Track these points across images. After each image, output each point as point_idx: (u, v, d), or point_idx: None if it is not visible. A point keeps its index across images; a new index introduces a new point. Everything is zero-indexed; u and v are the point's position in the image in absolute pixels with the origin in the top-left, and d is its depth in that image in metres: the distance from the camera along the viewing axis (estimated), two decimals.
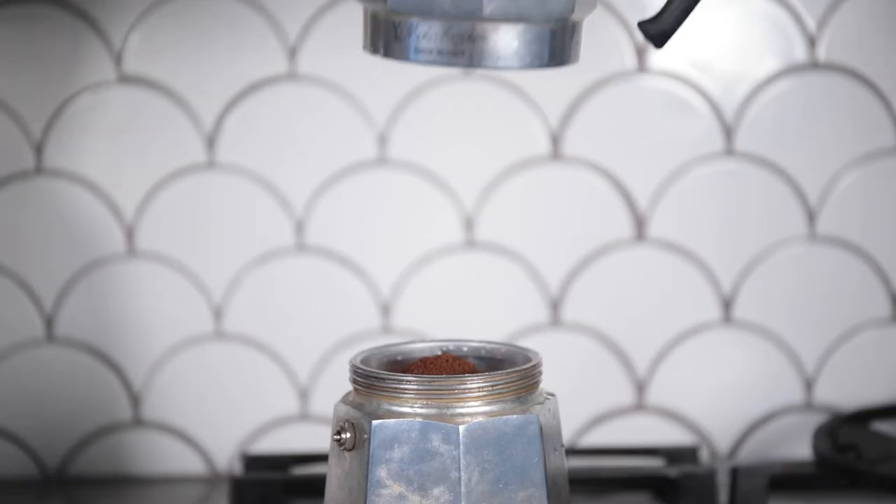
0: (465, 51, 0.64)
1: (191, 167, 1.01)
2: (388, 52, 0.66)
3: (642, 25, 0.62)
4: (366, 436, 0.66)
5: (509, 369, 0.69)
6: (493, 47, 0.64)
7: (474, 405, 0.66)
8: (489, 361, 0.72)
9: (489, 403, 0.66)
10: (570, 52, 0.67)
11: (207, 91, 1.00)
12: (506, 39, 0.64)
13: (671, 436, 1.03)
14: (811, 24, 1.01)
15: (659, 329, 1.03)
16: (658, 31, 0.62)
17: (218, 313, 1.02)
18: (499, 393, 0.67)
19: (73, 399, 1.02)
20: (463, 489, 0.65)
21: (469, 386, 0.67)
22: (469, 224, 1.01)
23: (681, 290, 1.03)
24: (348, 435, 0.67)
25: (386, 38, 0.65)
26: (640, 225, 1.02)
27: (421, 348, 0.73)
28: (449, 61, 0.65)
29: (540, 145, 1.01)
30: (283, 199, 1.01)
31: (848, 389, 1.03)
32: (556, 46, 0.66)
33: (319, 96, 1.00)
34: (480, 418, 0.66)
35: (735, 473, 0.89)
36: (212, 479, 1.02)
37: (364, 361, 0.70)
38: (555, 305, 1.02)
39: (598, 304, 1.03)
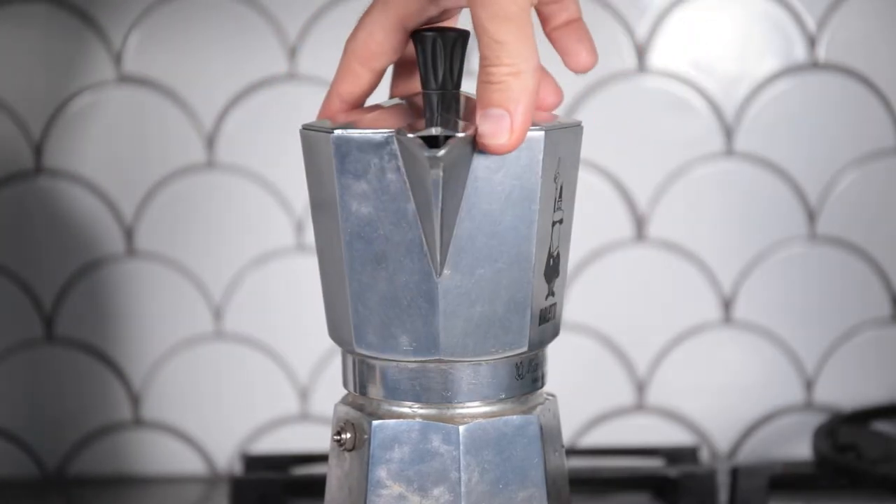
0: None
1: (190, 167, 1.01)
2: None
3: None
4: (366, 436, 0.66)
5: None
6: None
7: (474, 405, 0.66)
8: None
9: (490, 404, 0.67)
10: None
11: (207, 91, 1.00)
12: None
13: (671, 436, 1.03)
14: (811, 24, 1.01)
15: (659, 329, 1.03)
16: None
17: (218, 313, 1.02)
18: None
19: (73, 399, 1.02)
20: (463, 489, 0.65)
21: None
22: None
23: (681, 290, 1.03)
24: (348, 435, 0.67)
25: None
26: (640, 225, 1.02)
27: None
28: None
29: None
30: (283, 199, 1.01)
31: (848, 389, 1.04)
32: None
33: (320, 96, 0.99)
34: (480, 419, 0.66)
35: (735, 473, 0.89)
36: (212, 479, 1.03)
37: None
38: None
39: (598, 304, 1.03)
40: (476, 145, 0.62)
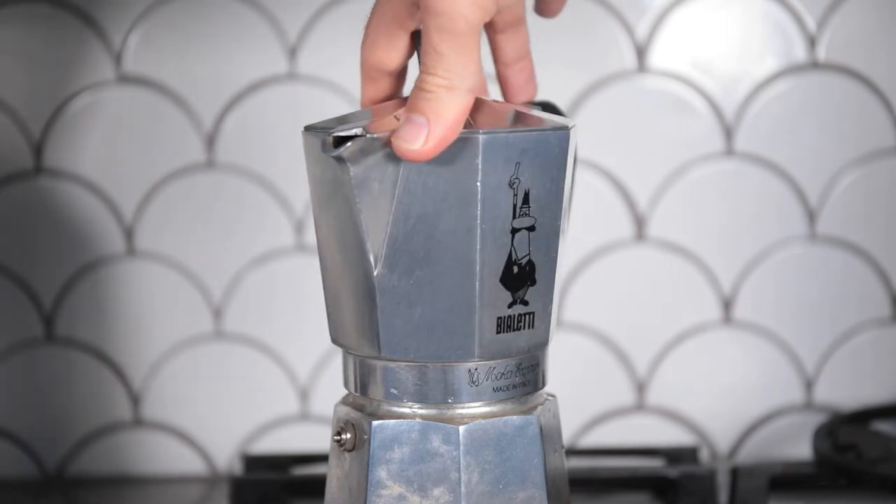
0: None
1: (190, 167, 1.01)
2: None
3: None
4: (366, 436, 0.66)
5: None
6: None
7: (475, 405, 0.66)
8: None
9: (490, 404, 0.67)
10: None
11: (207, 91, 1.00)
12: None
13: (671, 436, 1.03)
14: (811, 24, 1.01)
15: (659, 329, 1.03)
16: None
17: (218, 313, 1.02)
18: None
19: (73, 399, 1.02)
20: (463, 490, 0.65)
21: None
22: None
23: (681, 290, 1.03)
24: (348, 436, 0.67)
25: None
26: (640, 225, 1.02)
27: None
28: None
29: None
30: (283, 199, 1.01)
31: (848, 389, 1.04)
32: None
33: (319, 96, 1.00)
34: (480, 419, 0.66)
35: (735, 473, 0.89)
36: (212, 479, 1.03)
37: None
38: None
39: (598, 304, 1.03)
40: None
